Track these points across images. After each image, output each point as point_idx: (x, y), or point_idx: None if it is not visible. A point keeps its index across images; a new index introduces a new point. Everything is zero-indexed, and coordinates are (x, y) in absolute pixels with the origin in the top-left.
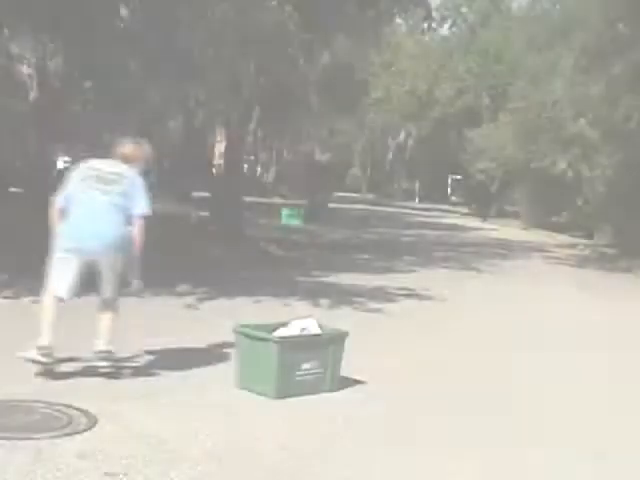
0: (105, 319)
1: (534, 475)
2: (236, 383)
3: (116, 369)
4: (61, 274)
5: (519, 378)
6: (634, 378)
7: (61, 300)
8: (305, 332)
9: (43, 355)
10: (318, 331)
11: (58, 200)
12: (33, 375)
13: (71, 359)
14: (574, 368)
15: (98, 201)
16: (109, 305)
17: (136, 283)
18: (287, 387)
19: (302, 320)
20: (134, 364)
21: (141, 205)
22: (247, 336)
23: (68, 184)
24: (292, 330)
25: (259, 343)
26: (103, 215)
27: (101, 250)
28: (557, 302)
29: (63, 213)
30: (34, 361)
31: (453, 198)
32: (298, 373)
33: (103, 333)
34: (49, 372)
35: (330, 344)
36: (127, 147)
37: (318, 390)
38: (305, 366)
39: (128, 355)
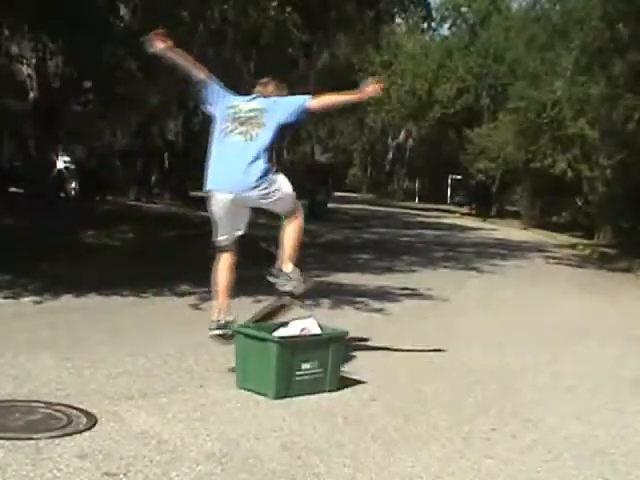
0: (286, 234)
1: (533, 476)
2: (236, 383)
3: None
4: (220, 223)
5: (521, 378)
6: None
7: (229, 242)
8: (305, 332)
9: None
10: (318, 331)
11: (208, 78)
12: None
13: None
14: (580, 368)
15: (236, 144)
16: (289, 219)
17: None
18: (286, 387)
19: (302, 320)
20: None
21: (301, 100)
22: (247, 336)
23: (215, 90)
24: (292, 330)
25: (258, 343)
26: (239, 154)
27: (242, 187)
28: (558, 302)
29: (197, 73)
30: (218, 336)
31: (458, 198)
32: (297, 373)
33: (284, 249)
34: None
35: (330, 344)
36: (269, 87)
37: (318, 390)
38: (305, 366)
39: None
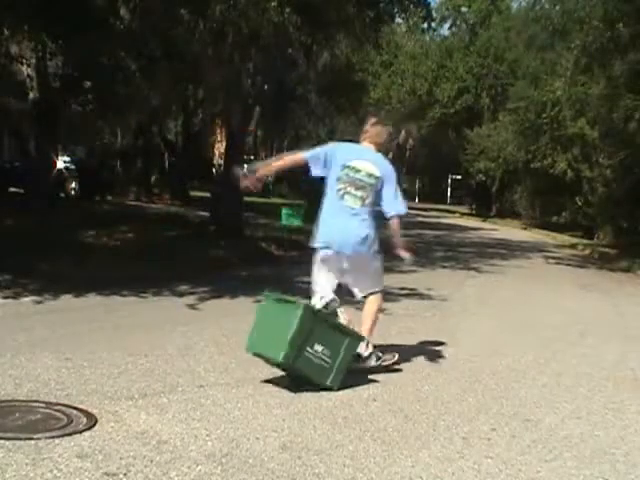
0: (364, 315)
1: (533, 476)
2: (246, 347)
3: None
4: (318, 279)
5: (521, 378)
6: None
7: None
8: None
9: None
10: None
11: (306, 156)
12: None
13: None
14: (580, 368)
15: (347, 205)
16: (368, 300)
17: (406, 257)
18: (295, 356)
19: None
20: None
21: (396, 205)
22: (276, 300)
23: (321, 155)
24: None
25: (286, 305)
26: (351, 218)
27: (349, 251)
28: (558, 301)
29: (297, 164)
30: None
31: (463, 199)
32: (309, 349)
33: (364, 326)
34: None
35: (346, 338)
36: (377, 127)
37: (320, 379)
38: (317, 347)
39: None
